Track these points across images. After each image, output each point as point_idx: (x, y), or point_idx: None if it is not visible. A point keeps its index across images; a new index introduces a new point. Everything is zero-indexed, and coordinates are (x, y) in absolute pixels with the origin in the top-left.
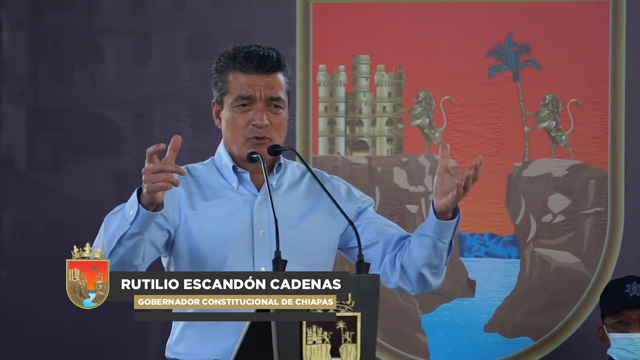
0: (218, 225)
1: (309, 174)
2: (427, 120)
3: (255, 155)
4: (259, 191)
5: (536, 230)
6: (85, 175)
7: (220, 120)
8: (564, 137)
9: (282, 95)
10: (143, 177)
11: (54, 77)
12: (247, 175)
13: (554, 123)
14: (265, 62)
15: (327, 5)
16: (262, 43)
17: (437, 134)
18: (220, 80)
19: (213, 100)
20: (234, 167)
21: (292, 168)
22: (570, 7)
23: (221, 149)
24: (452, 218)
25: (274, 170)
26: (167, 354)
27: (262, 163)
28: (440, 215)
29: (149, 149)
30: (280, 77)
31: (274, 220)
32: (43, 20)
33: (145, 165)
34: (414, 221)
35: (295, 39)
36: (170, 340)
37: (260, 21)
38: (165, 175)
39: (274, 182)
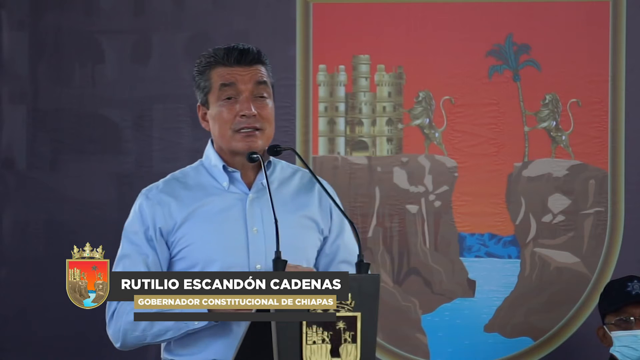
0: (211, 223)
1: (298, 173)
2: (427, 120)
3: (255, 156)
4: (249, 189)
5: (536, 230)
6: (85, 175)
7: (207, 122)
8: (564, 137)
9: (267, 80)
10: None
11: (54, 77)
12: (237, 174)
13: (554, 123)
14: (245, 54)
15: (327, 5)
16: (262, 43)
17: (437, 134)
18: (202, 80)
19: (198, 104)
20: (224, 167)
21: (282, 166)
22: (570, 7)
23: (209, 151)
24: None
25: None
26: (164, 354)
27: (262, 163)
28: None
29: None
30: (262, 68)
31: (268, 219)
32: (43, 20)
33: None
34: (414, 221)
35: (295, 39)
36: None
37: (260, 21)
38: None
39: (264, 181)
